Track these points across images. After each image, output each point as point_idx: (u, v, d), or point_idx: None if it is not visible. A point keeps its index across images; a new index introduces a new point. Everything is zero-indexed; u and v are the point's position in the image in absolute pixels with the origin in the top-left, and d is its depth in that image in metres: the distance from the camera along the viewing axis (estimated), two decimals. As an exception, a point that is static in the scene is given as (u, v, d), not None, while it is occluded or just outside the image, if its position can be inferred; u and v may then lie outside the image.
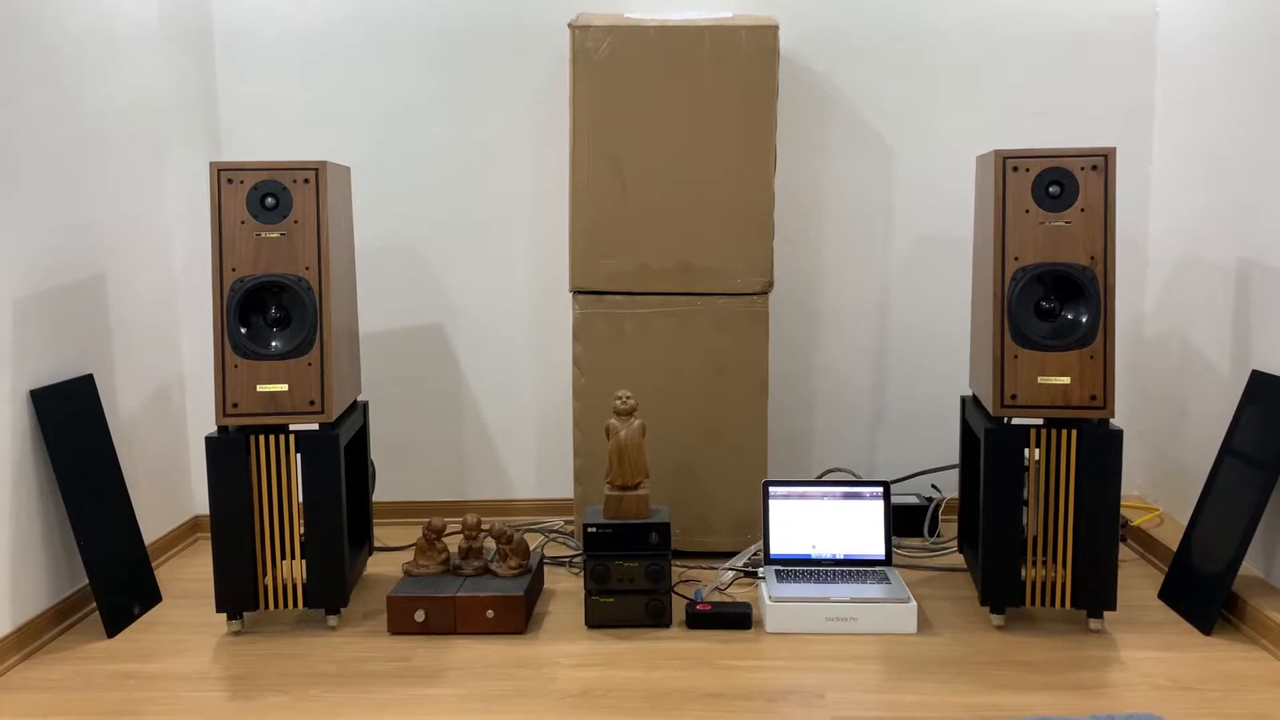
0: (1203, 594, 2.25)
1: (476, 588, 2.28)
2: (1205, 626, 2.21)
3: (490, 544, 2.46)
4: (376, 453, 3.02)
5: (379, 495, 3.02)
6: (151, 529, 2.70)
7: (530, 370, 3.01)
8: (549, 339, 3.00)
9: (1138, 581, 2.51)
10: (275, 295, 2.24)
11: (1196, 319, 2.66)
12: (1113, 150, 2.18)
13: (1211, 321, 2.58)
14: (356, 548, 2.54)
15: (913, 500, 2.91)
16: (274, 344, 2.23)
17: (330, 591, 2.28)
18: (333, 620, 2.30)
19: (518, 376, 3.01)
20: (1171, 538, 2.62)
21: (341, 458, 2.27)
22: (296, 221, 2.23)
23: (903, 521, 2.85)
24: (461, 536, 2.39)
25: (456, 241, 2.97)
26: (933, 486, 3.02)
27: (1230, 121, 2.50)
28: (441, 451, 3.03)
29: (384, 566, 2.68)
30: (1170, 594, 2.38)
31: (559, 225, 2.93)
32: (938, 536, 2.85)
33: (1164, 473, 2.81)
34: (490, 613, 2.24)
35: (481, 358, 3.01)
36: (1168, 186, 2.82)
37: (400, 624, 2.25)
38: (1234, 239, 2.48)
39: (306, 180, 2.24)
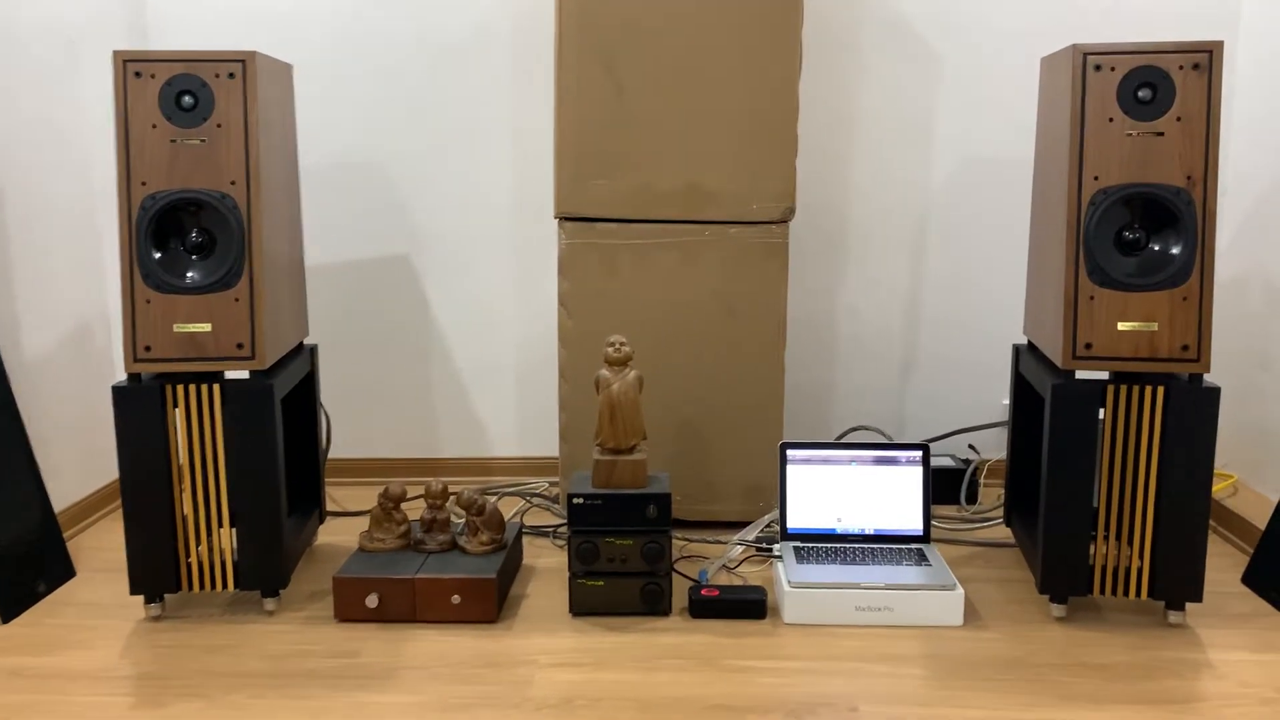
0: (1304, 582, 1.90)
1: (441, 567, 1.92)
2: (1308, 622, 1.86)
3: (458, 512, 2.09)
4: (332, 403, 2.64)
5: (336, 452, 2.65)
6: (67, 492, 2.33)
7: (511, 309, 2.62)
8: (533, 272, 2.60)
9: (1215, 561, 2.15)
10: (194, 216, 1.85)
11: (1289, 256, 2.27)
12: (1219, 45, 1.77)
13: (1310, 259, 2.19)
14: (301, 516, 2.17)
15: (948, 463, 2.54)
16: (191, 274, 1.84)
17: (266, 570, 1.91)
18: (270, 604, 1.94)
19: (496, 316, 2.62)
20: (1253, 510, 2.25)
21: (277, 411, 1.89)
22: (220, 126, 1.83)
23: (937, 487, 2.49)
24: (425, 505, 2.03)
25: (424, 157, 2.56)
26: (970, 447, 2.65)
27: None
28: (408, 402, 2.65)
29: (339, 535, 2.32)
30: (1259, 579, 2.02)
31: (544, 139, 2.52)
32: (978, 505, 2.49)
33: (1240, 434, 2.44)
34: (456, 598, 1.88)
35: (453, 293, 2.61)
36: (1255, 96, 2.41)
37: (349, 610, 1.90)
38: (1346, 160, 2.08)
39: (232, 75, 1.83)
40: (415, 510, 2.41)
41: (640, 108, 2.18)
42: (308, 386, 2.19)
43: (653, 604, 1.90)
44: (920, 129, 2.55)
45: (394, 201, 2.58)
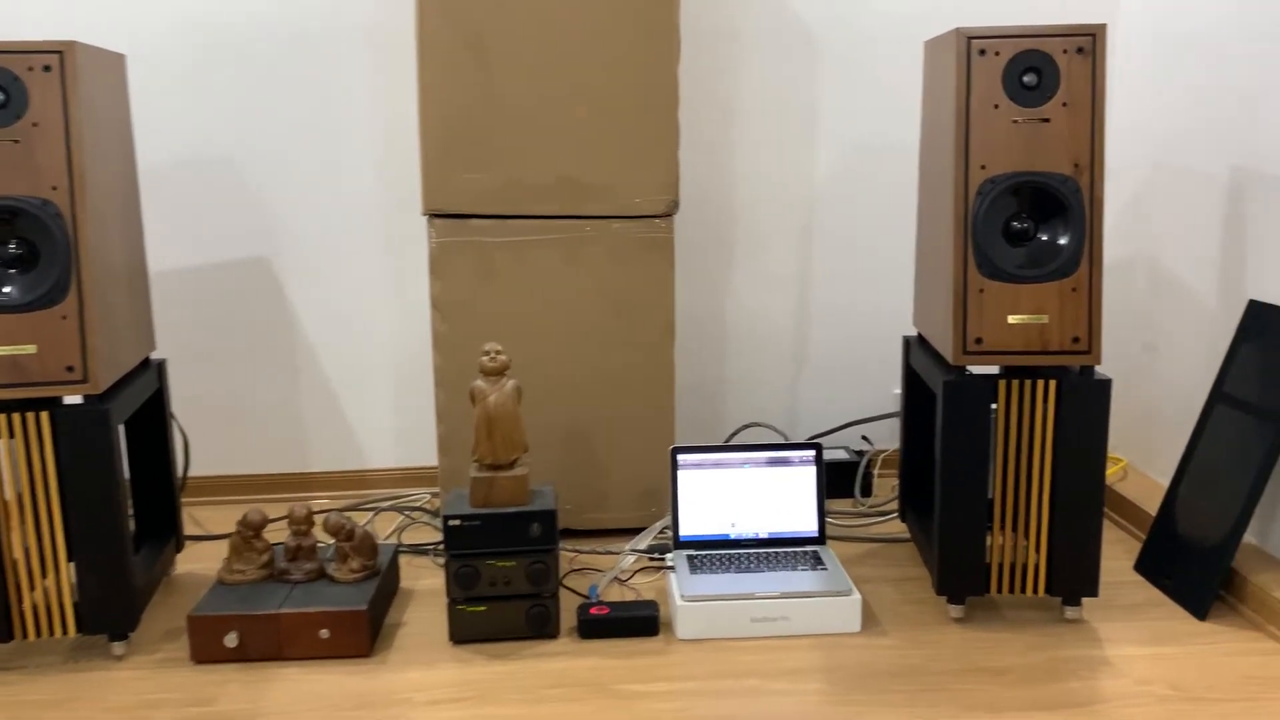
0: (1195, 570, 1.89)
1: (307, 599, 1.77)
2: (1200, 610, 1.85)
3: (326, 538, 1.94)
4: (190, 419, 2.45)
5: (197, 470, 2.47)
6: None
7: (383, 311, 2.46)
8: (405, 273, 2.45)
9: (1107, 549, 2.14)
10: (9, 225, 1.65)
11: (1171, 239, 2.26)
12: (1102, 28, 1.73)
13: (1192, 242, 2.19)
14: (155, 546, 2.00)
15: (842, 455, 2.49)
16: (9, 291, 1.65)
17: (112, 611, 1.74)
18: (118, 648, 1.77)
19: (367, 320, 2.46)
20: (1143, 494, 2.25)
21: (116, 438, 1.72)
22: (36, 125, 1.64)
23: (831, 480, 2.44)
24: (289, 531, 1.88)
25: (281, 152, 2.38)
26: (863, 438, 2.61)
27: None
28: (275, 414, 2.47)
29: (200, 562, 2.15)
30: (1150, 566, 2.02)
31: (414, 130, 2.37)
32: (873, 498, 2.44)
33: (1128, 418, 2.44)
34: (324, 632, 1.73)
35: (320, 297, 2.44)
36: (1137, 76, 2.40)
37: (207, 651, 1.74)
38: (1224, 142, 2.07)
39: (47, 68, 1.64)
40: (281, 533, 2.25)
41: (512, 96, 2.05)
42: (156, 405, 2.01)
43: (539, 627, 1.79)
44: (804, 116, 2.47)
45: (250, 200, 2.39)
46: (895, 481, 2.51)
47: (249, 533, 1.85)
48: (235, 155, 2.37)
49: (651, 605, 1.83)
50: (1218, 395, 1.99)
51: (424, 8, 2.01)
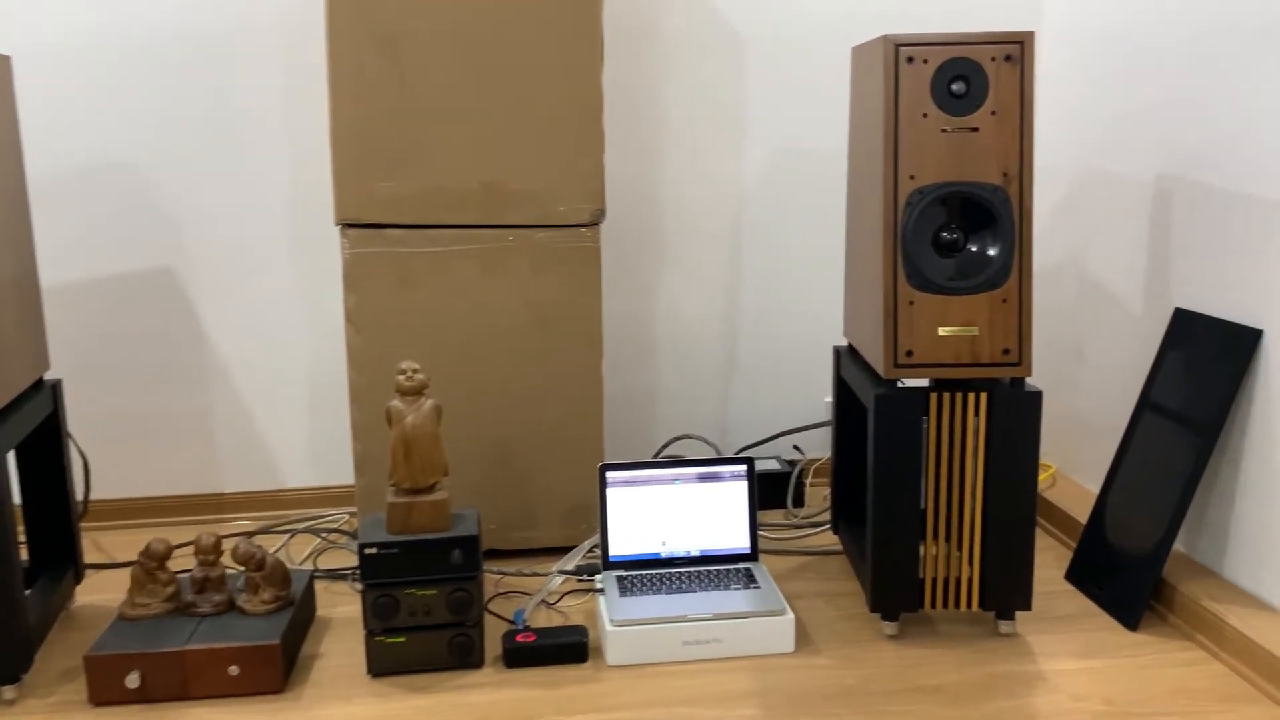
0: (1126, 580, 1.88)
1: (215, 634, 1.68)
2: (1131, 621, 1.84)
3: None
4: (93, 440, 2.32)
5: (100, 493, 2.34)
6: None
7: (297, 324, 2.36)
8: (320, 284, 2.35)
9: (1039, 557, 2.13)
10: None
11: (1098, 246, 2.26)
12: (1030, 35, 1.71)
13: (1119, 249, 2.19)
14: (51, 578, 1.88)
15: (774, 466, 2.45)
16: (-121, 312, 1.53)
17: (1, 653, 1.62)
18: (9, 691, 1.65)
19: (280, 333, 2.36)
20: (1072, 501, 2.25)
21: (3, 464, 1.60)
22: (-92, 131, 1.52)
23: (763, 491, 2.40)
24: (195, 561, 1.78)
25: (186, 158, 2.26)
26: (795, 448, 2.57)
27: None
28: (184, 432, 2.35)
29: (103, 592, 2.03)
30: (1081, 575, 2.01)
31: (326, 135, 2.28)
32: (805, 509, 2.41)
33: (1057, 424, 2.44)
34: (234, 668, 1.64)
35: (230, 309, 2.33)
36: (1062, 82, 2.40)
37: (106, 692, 1.63)
38: (1151, 149, 2.07)
39: (-80, 69, 1.52)
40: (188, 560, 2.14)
41: (429, 101, 1.97)
42: (51, 427, 1.89)
43: (462, 657, 1.71)
44: (731, 120, 2.43)
45: (153, 209, 2.27)
46: (828, 491, 2.48)
47: (152, 564, 1.75)
48: (138, 161, 2.24)
49: (580, 630, 1.77)
50: (1145, 403, 1.99)
51: (333, 7, 1.91)
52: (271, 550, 2.19)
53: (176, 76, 2.23)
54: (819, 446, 2.57)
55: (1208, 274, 1.91)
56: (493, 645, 1.79)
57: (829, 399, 2.56)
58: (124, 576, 2.10)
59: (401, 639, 1.69)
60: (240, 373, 2.35)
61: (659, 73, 2.39)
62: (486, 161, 2.00)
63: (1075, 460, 2.39)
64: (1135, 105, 2.11)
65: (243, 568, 1.76)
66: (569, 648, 1.74)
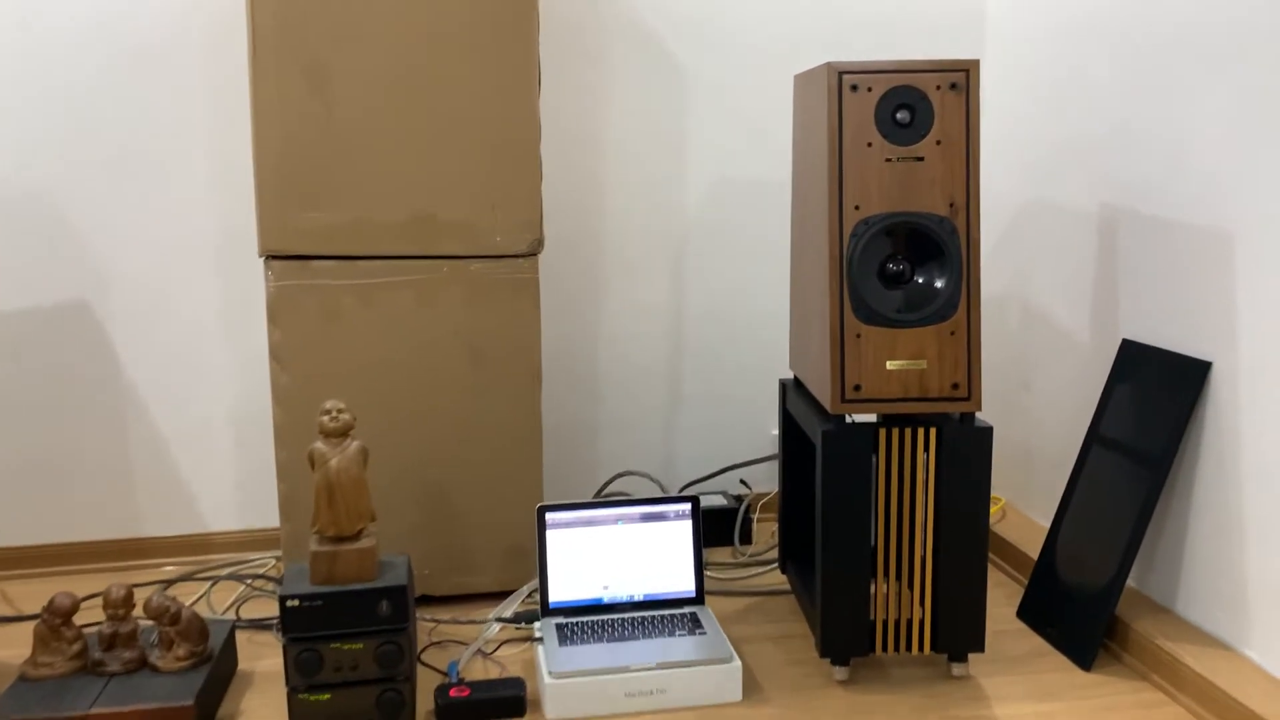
0: (1078, 619, 1.84)
1: (125, 694, 1.56)
2: (1085, 661, 1.79)
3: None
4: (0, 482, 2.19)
5: (8, 540, 2.21)
6: None
7: (221, 361, 2.25)
8: (245, 317, 2.25)
9: (990, 593, 2.08)
10: None
11: (1042, 276, 2.24)
12: (975, 63, 1.68)
13: (1064, 279, 2.16)
14: (-52, 638, 1.75)
15: (719, 502, 2.39)
16: None
17: (-115, 723, 1.50)
18: (-106, 764, 1.53)
19: (203, 370, 2.24)
20: (1022, 535, 2.21)
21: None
22: None
23: (709, 528, 2.33)
24: (105, 618, 1.66)
25: (103, 185, 2.15)
26: (741, 482, 2.51)
27: (1091, 26, 2.06)
28: (100, 474, 2.23)
29: (12, 647, 1.90)
30: (1033, 613, 1.96)
31: (250, 161, 2.18)
32: (752, 546, 2.35)
33: (1005, 456, 2.41)
34: (144, 733, 1.53)
35: (149, 344, 2.21)
36: (1006, 111, 2.38)
37: (2, 762, 1.51)
38: (1096, 179, 2.05)
39: None
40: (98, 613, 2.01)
41: (356, 127, 1.89)
42: (-51, 475, 1.77)
43: (392, 715, 1.61)
44: (673, 147, 2.38)
45: (63, 238, 2.15)
46: (775, 526, 2.42)
47: (56, 620, 1.63)
48: (48, 186, 2.13)
49: (517, 683, 1.68)
50: (1094, 436, 1.95)
51: (256, 31, 1.83)
52: (192, 599, 2.08)
53: (93, 95, 2.12)
54: (766, 481, 2.51)
55: (1154, 304, 1.88)
56: (425, 700, 1.70)
57: (775, 432, 2.50)
58: (30, 630, 1.97)
59: (326, 696, 1.59)
60: (160, 410, 2.23)
61: (600, 101, 2.34)
62: (418, 191, 1.93)
63: (1025, 492, 2.35)
64: (1076, 134, 2.09)
65: (155, 622, 1.65)
66: (505, 702, 1.65)
